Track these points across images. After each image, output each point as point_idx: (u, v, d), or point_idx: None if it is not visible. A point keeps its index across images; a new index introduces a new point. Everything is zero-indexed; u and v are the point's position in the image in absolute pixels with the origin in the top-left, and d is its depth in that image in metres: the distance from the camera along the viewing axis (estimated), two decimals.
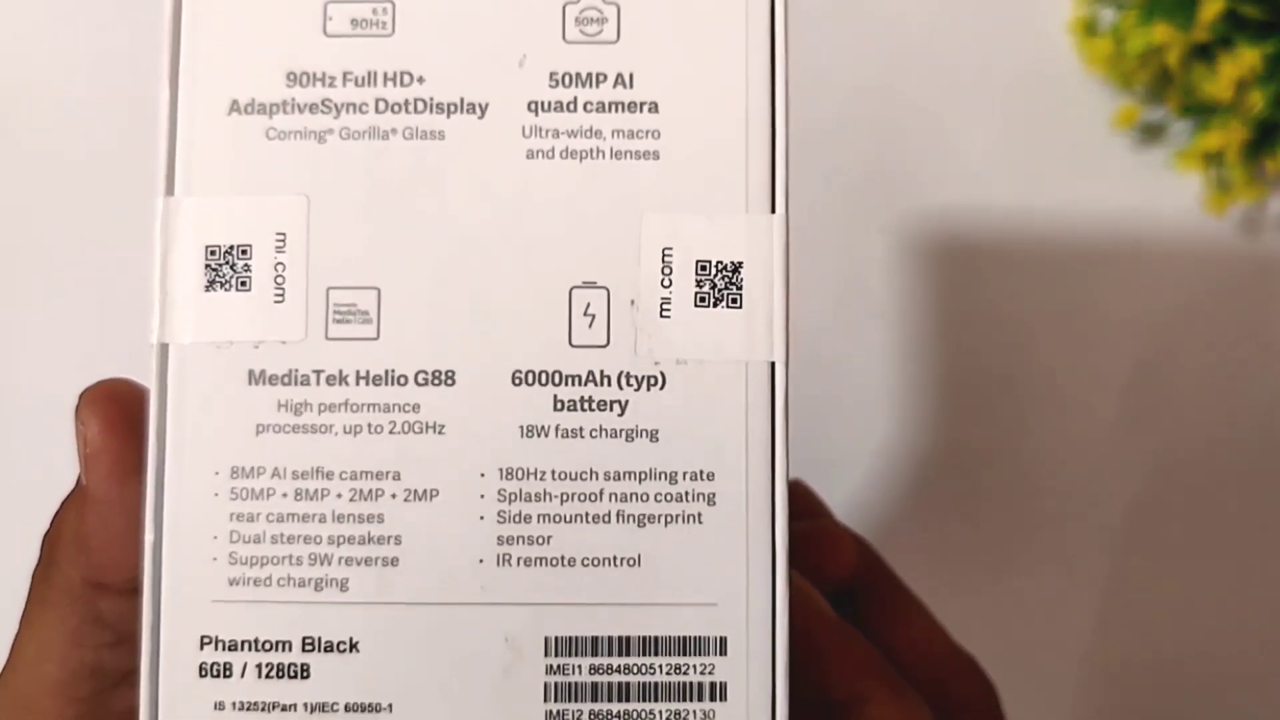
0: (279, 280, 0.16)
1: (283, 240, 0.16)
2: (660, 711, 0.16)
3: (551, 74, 0.17)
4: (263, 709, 0.16)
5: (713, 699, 0.16)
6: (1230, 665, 0.38)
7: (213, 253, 0.16)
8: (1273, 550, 0.39)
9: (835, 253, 0.39)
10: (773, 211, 0.16)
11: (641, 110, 0.16)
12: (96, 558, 0.17)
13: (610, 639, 0.16)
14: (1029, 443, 0.38)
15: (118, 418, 0.17)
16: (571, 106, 0.16)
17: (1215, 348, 0.39)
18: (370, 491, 0.16)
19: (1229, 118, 0.37)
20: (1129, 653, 0.38)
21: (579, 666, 0.16)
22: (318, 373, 0.16)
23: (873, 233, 0.39)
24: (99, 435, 0.17)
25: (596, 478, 0.16)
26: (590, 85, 0.16)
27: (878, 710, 0.20)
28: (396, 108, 0.16)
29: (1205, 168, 0.39)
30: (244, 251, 0.16)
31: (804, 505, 0.23)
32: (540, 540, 0.16)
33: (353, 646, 0.16)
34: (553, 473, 0.16)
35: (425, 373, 0.16)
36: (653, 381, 0.16)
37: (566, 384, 0.16)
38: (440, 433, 0.16)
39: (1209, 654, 0.38)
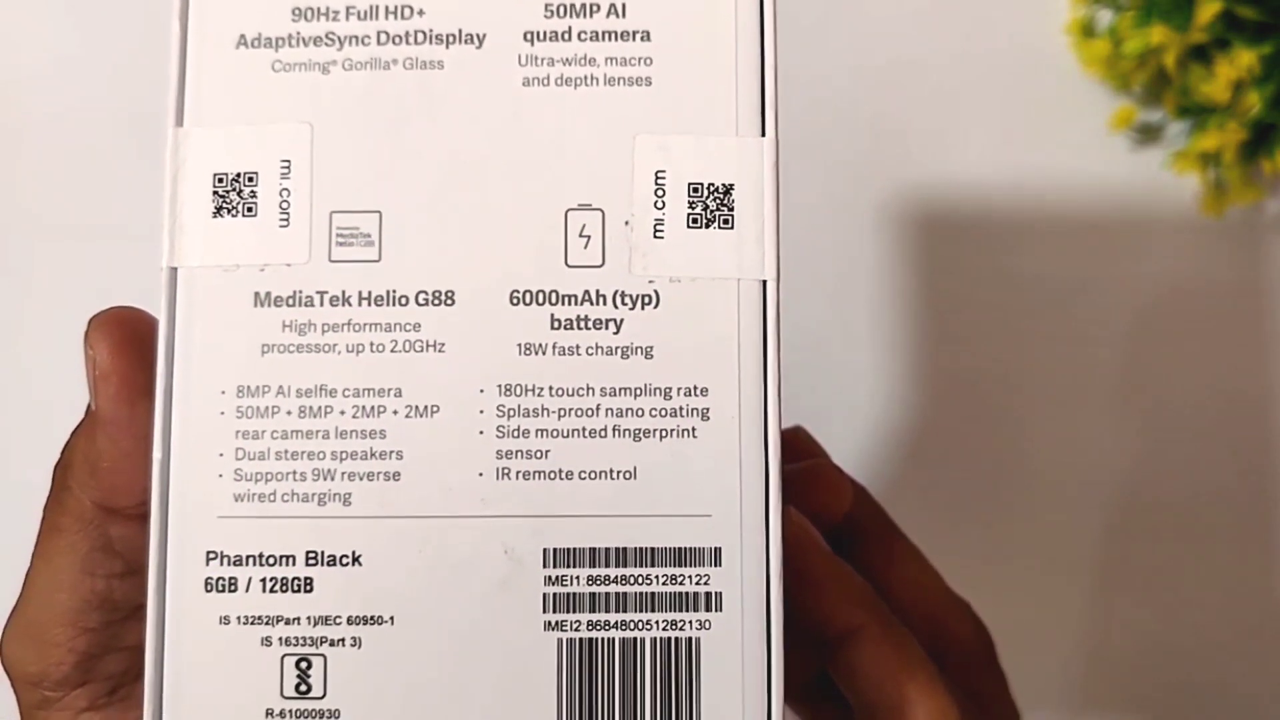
0: (284, 205, 0.17)
1: (287, 167, 0.17)
2: (657, 621, 0.16)
3: (546, 5, 0.17)
4: (267, 622, 0.16)
5: (708, 609, 0.16)
6: (1216, 644, 0.38)
7: (220, 180, 0.17)
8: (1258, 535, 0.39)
9: (833, 255, 0.39)
10: (763, 134, 0.17)
11: (633, 38, 0.17)
12: (106, 480, 0.18)
13: (607, 550, 0.16)
14: (1020, 433, 0.39)
15: (126, 341, 0.17)
16: (566, 36, 0.17)
17: (1212, 346, 0.39)
18: (372, 408, 0.17)
19: (1226, 119, 0.37)
20: (1119, 638, 0.38)
21: (577, 577, 0.16)
22: (321, 294, 0.17)
23: (870, 232, 0.39)
24: (107, 357, 0.17)
25: (593, 394, 0.17)
26: (584, 15, 0.17)
27: (870, 643, 0.20)
28: (397, 39, 0.17)
29: (1202, 169, 0.38)
30: (250, 179, 0.17)
31: (804, 449, 0.23)
32: (538, 454, 0.16)
33: (355, 560, 0.16)
34: (550, 389, 0.17)
35: (425, 293, 0.17)
36: (647, 300, 0.17)
37: (563, 303, 0.17)
38: (440, 351, 0.17)
39: (1203, 638, 0.38)
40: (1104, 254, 0.40)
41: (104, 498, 0.18)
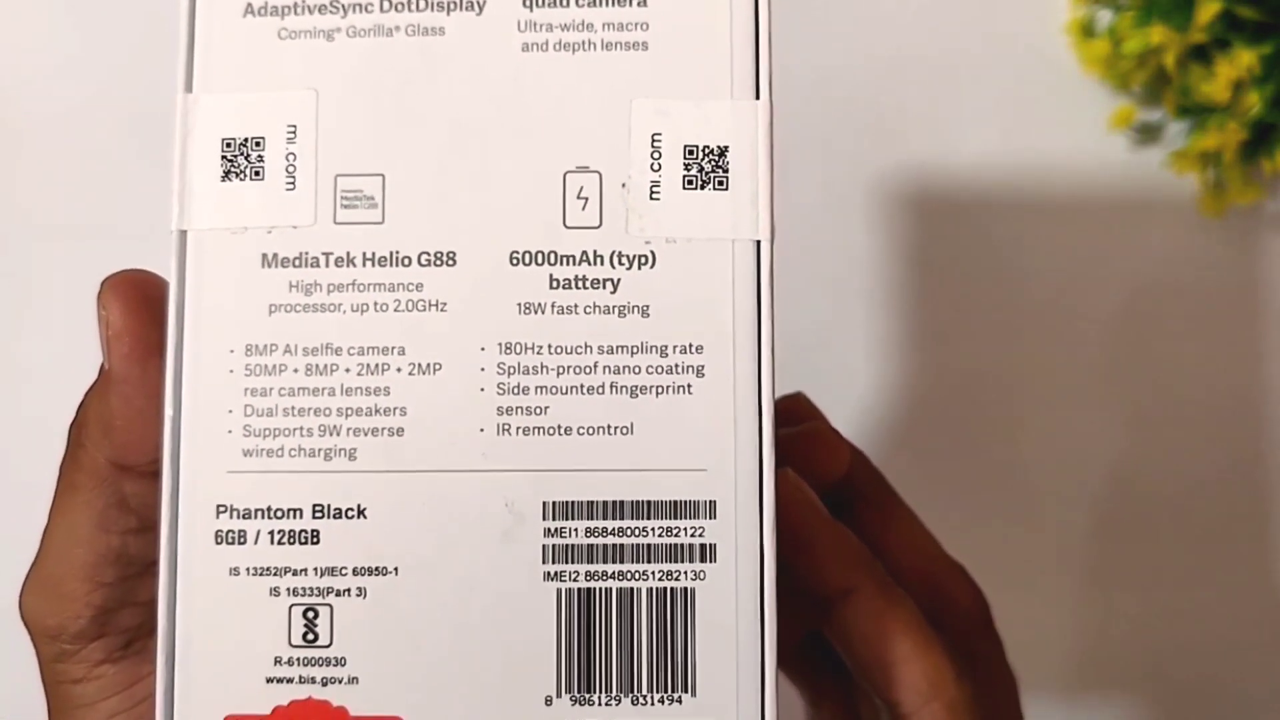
0: (290, 169, 0.17)
1: (294, 132, 0.17)
2: (653, 572, 0.17)
3: None
4: (275, 573, 0.17)
5: (703, 560, 0.17)
6: (1209, 637, 0.38)
7: (228, 145, 0.17)
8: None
9: (831, 252, 0.39)
10: (757, 97, 0.17)
11: (630, 4, 0.17)
12: (120, 438, 0.18)
13: (605, 503, 0.17)
14: (1018, 428, 0.39)
15: (138, 301, 0.18)
16: (564, 2, 0.17)
17: (1210, 344, 0.40)
18: (377, 366, 0.17)
19: (1225, 119, 0.37)
20: (1111, 631, 0.38)
21: (575, 530, 0.17)
22: (327, 255, 0.17)
23: (869, 229, 0.39)
24: (120, 318, 0.18)
25: (591, 351, 0.17)
26: None
27: (865, 602, 0.20)
28: (400, 6, 0.17)
29: (1202, 169, 0.38)
30: (257, 143, 0.17)
31: (804, 413, 0.23)
32: (538, 410, 0.17)
33: (360, 513, 0.17)
34: (549, 347, 0.17)
35: (428, 254, 0.17)
36: (644, 260, 0.17)
37: (561, 263, 0.17)
38: (443, 310, 0.17)
39: (1195, 632, 0.38)
40: (1103, 253, 0.40)
41: (118, 455, 0.18)
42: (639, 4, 0.17)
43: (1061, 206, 0.40)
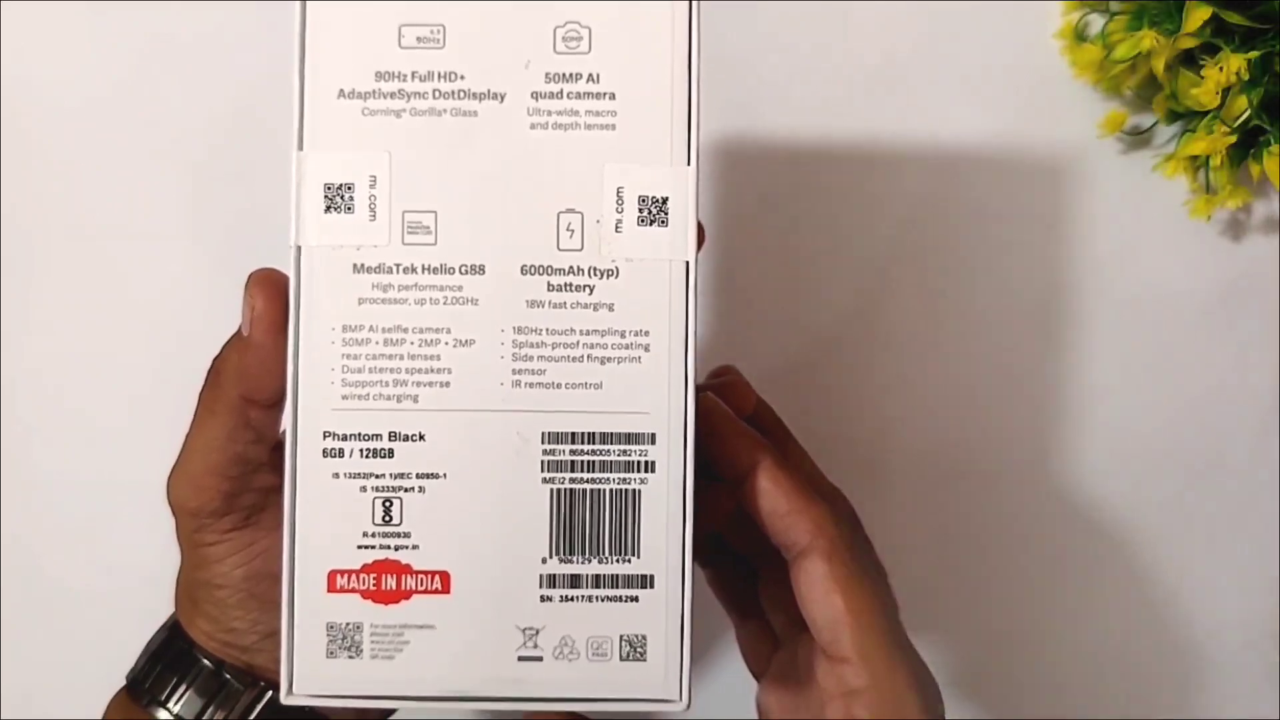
0: (372, 206, 0.25)
1: (374, 180, 0.25)
2: (613, 479, 0.25)
3: (546, 73, 0.26)
4: (363, 476, 0.25)
5: (646, 472, 0.26)
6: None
7: (329, 188, 0.25)
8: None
9: (829, 254, 0.41)
10: (688, 164, 0.26)
11: (604, 98, 0.26)
12: (252, 383, 0.26)
13: (582, 433, 0.25)
14: (1016, 431, 0.41)
15: (274, 292, 0.26)
16: (559, 95, 0.26)
17: (1202, 345, 0.41)
18: (432, 340, 0.25)
19: (1214, 123, 0.37)
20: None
21: (563, 450, 0.25)
22: (397, 265, 0.25)
23: (863, 231, 0.40)
24: (263, 304, 0.26)
25: (574, 333, 0.26)
26: (571, 81, 0.26)
27: (767, 470, 0.28)
28: (446, 96, 0.25)
29: (1191, 173, 0.39)
30: (349, 188, 0.25)
31: (729, 373, 0.32)
32: (539, 372, 0.25)
33: (420, 437, 0.25)
34: (547, 330, 0.25)
35: (466, 265, 0.25)
36: (610, 273, 0.26)
37: (555, 274, 0.26)
38: (475, 304, 0.25)
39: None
40: (1094, 256, 0.41)
41: (248, 392, 0.27)
42: (610, 98, 0.26)
43: (1054, 209, 0.41)
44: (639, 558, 0.26)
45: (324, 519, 0.25)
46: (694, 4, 0.26)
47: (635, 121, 0.26)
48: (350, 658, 0.25)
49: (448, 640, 0.25)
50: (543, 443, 0.26)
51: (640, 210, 0.26)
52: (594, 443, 0.26)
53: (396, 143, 0.25)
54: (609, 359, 0.26)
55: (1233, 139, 0.36)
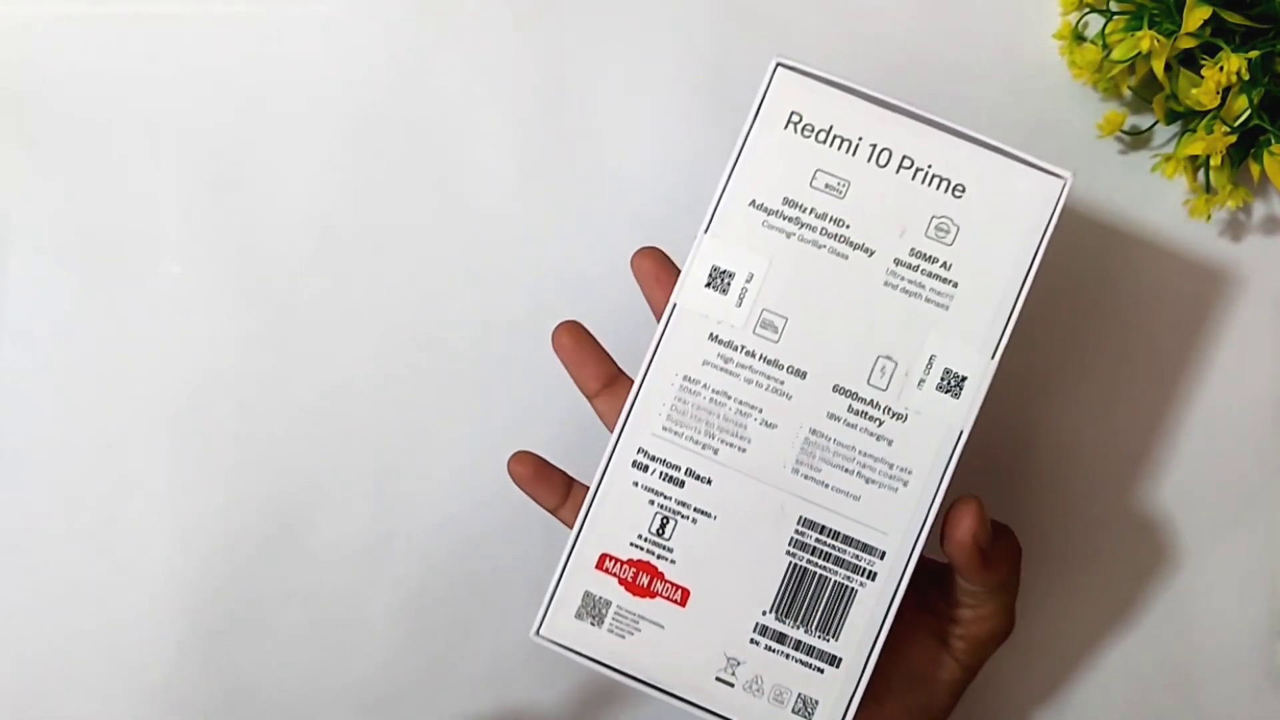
0: (742, 295, 0.32)
1: (750, 277, 0.32)
2: (840, 573, 0.31)
3: (912, 249, 0.32)
4: (655, 493, 0.32)
5: (869, 579, 0.31)
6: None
7: (715, 270, 0.32)
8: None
9: None
10: (992, 357, 0.31)
11: (949, 284, 0.32)
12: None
13: (831, 529, 0.32)
14: (1013, 430, 0.41)
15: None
16: (915, 269, 0.32)
17: (1200, 345, 0.41)
18: (745, 412, 0.32)
19: (1214, 123, 0.36)
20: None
21: (811, 536, 0.32)
22: (742, 347, 0.32)
23: None
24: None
25: (855, 451, 0.32)
26: (928, 262, 0.32)
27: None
28: (831, 236, 0.32)
29: (1190, 173, 0.38)
30: (729, 274, 0.32)
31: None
32: (816, 469, 0.32)
33: (708, 481, 0.32)
34: (835, 440, 0.32)
35: (793, 367, 0.32)
36: (901, 417, 0.32)
37: (858, 401, 0.32)
38: (789, 399, 0.32)
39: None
40: (1093, 256, 0.41)
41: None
42: (953, 285, 0.32)
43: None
44: (837, 640, 0.31)
45: (614, 512, 0.32)
46: (1043, 242, 0.31)
47: (965, 310, 0.32)
48: (592, 624, 0.32)
49: (670, 641, 0.32)
50: (797, 524, 0.32)
51: (942, 379, 0.32)
52: (837, 540, 0.32)
53: (779, 256, 0.32)
54: (873, 480, 0.32)
55: (1232, 139, 0.36)
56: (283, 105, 0.44)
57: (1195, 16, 0.35)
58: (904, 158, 0.32)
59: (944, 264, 0.32)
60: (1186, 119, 0.38)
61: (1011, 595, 0.33)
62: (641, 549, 0.32)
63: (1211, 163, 0.37)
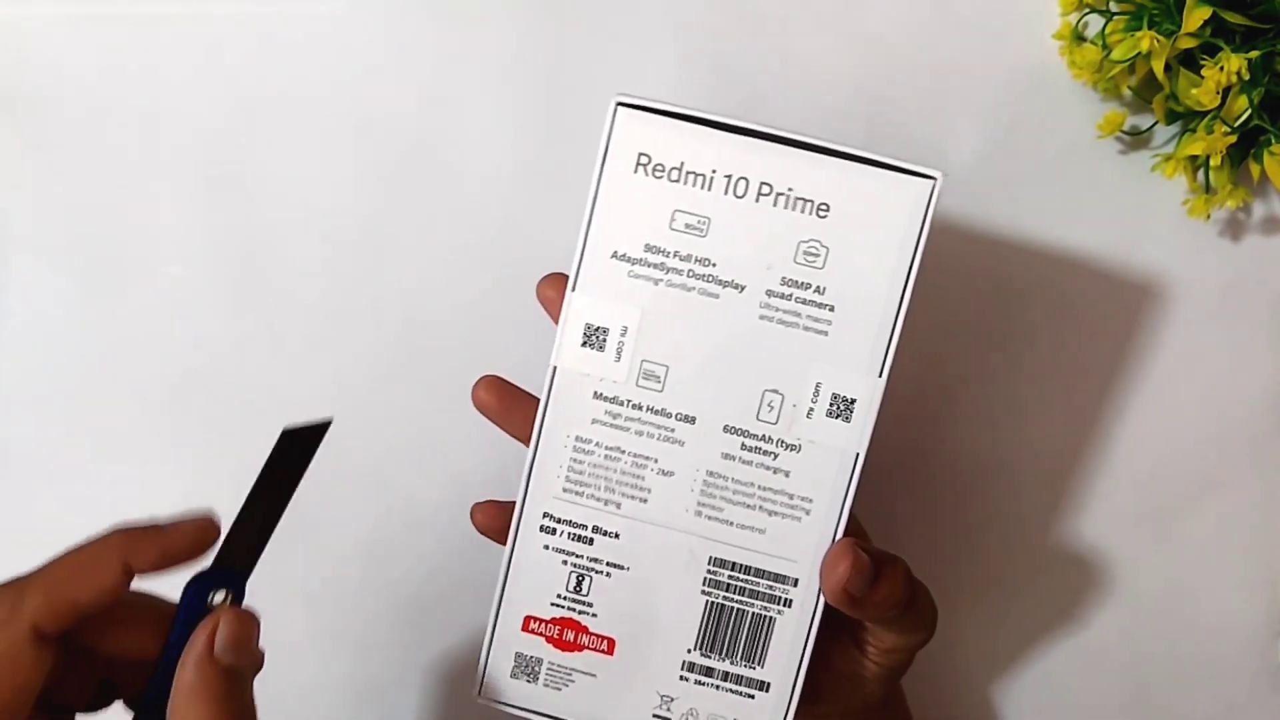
0: (620, 349, 0.31)
1: (625, 330, 0.31)
2: (757, 605, 0.32)
3: (783, 278, 0.31)
4: (566, 553, 0.33)
5: (784, 606, 0.32)
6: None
7: (589, 328, 0.32)
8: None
9: None
10: (880, 375, 0.31)
11: (825, 309, 0.31)
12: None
13: (741, 564, 0.32)
14: (1012, 431, 0.42)
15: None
16: (789, 298, 0.31)
17: (1198, 345, 0.41)
18: (641, 464, 0.32)
19: (1214, 123, 0.36)
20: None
21: (723, 574, 0.32)
22: (628, 401, 0.32)
23: None
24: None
25: (754, 487, 0.32)
26: (802, 289, 0.31)
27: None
28: (699, 277, 0.31)
29: (1190, 173, 0.38)
30: (604, 331, 0.31)
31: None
32: (719, 509, 0.32)
33: (616, 536, 0.32)
34: (733, 479, 0.32)
35: (681, 414, 0.32)
36: (794, 448, 0.31)
37: (750, 438, 0.31)
38: (682, 445, 0.32)
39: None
40: (1093, 256, 0.41)
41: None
42: (830, 310, 0.31)
43: (1052, 210, 0.41)
44: (763, 667, 0.32)
45: (531, 576, 0.33)
46: (918, 251, 0.30)
47: (845, 333, 0.31)
48: (528, 681, 0.33)
49: (603, 688, 0.33)
50: (709, 564, 0.32)
51: (831, 405, 0.31)
52: (749, 574, 0.32)
53: (649, 305, 0.31)
54: (775, 513, 0.32)
55: (1232, 139, 0.36)
56: (282, 105, 0.44)
57: (1195, 16, 0.35)
58: (761, 184, 0.30)
59: (817, 289, 0.31)
60: (1186, 119, 0.38)
61: (914, 613, 0.33)
62: (562, 607, 0.33)
63: (1211, 163, 0.37)
